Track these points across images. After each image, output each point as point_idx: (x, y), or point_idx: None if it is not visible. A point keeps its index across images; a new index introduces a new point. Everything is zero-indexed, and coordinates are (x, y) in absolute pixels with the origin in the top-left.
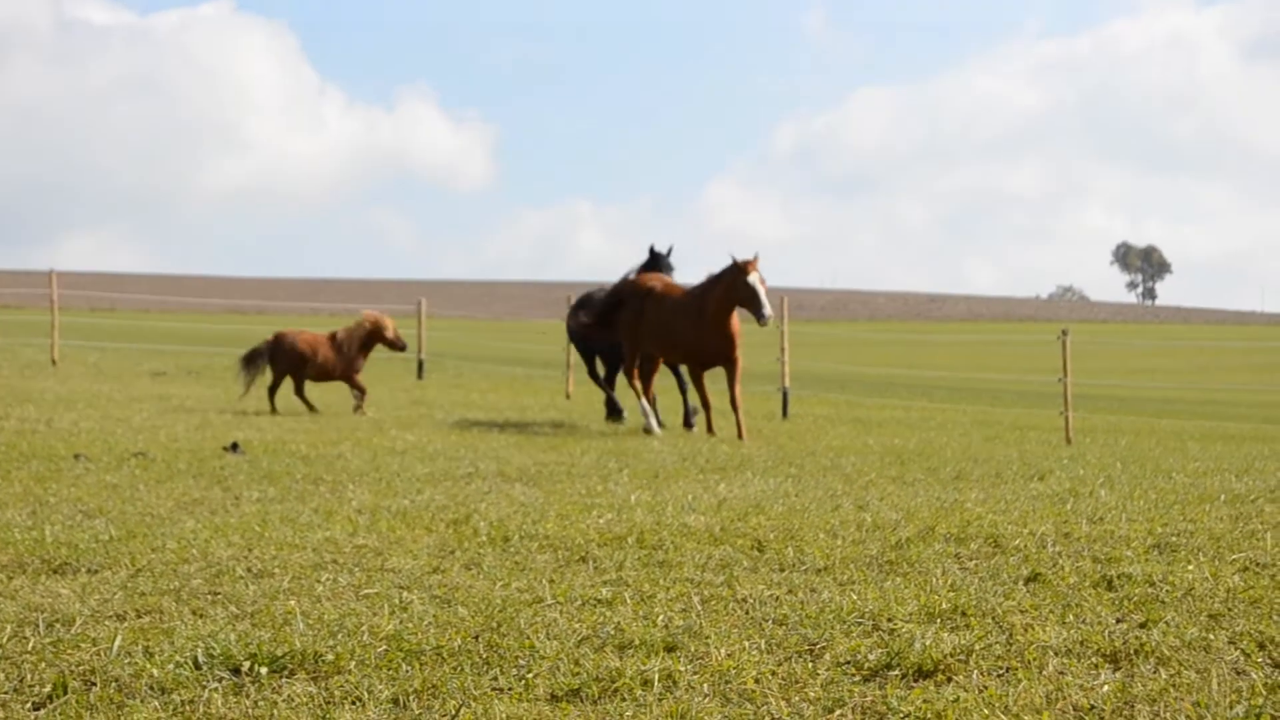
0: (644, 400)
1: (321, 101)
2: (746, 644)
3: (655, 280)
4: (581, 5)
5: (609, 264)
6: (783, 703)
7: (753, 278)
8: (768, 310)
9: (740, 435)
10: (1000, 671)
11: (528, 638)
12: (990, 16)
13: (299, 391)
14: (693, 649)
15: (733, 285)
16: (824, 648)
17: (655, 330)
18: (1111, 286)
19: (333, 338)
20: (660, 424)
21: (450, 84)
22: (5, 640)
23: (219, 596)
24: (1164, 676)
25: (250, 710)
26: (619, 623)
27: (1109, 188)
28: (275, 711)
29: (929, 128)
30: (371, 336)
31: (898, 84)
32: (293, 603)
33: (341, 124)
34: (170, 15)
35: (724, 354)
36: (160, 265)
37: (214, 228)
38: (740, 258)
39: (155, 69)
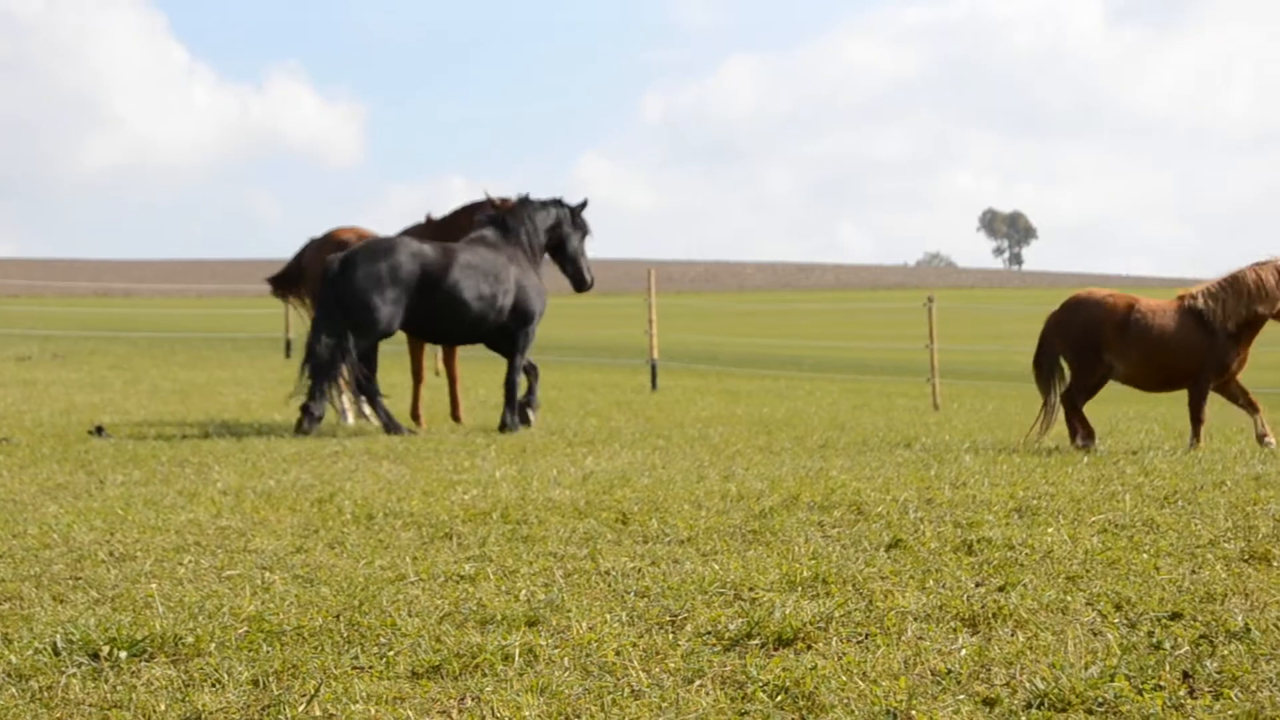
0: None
1: (190, 80)
2: (608, 616)
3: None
4: None
5: None
6: (643, 674)
7: None
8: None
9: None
10: (859, 638)
11: (389, 615)
12: None
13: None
14: (554, 623)
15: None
16: (685, 618)
17: None
18: (979, 253)
19: None
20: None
21: (320, 61)
22: None
23: (80, 581)
24: (1021, 639)
25: (109, 695)
26: (481, 598)
27: (979, 153)
28: (134, 695)
29: (797, 95)
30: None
31: (766, 51)
32: (154, 586)
33: (211, 102)
34: None
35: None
36: (27, 249)
37: (82, 210)
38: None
39: (19, 50)
